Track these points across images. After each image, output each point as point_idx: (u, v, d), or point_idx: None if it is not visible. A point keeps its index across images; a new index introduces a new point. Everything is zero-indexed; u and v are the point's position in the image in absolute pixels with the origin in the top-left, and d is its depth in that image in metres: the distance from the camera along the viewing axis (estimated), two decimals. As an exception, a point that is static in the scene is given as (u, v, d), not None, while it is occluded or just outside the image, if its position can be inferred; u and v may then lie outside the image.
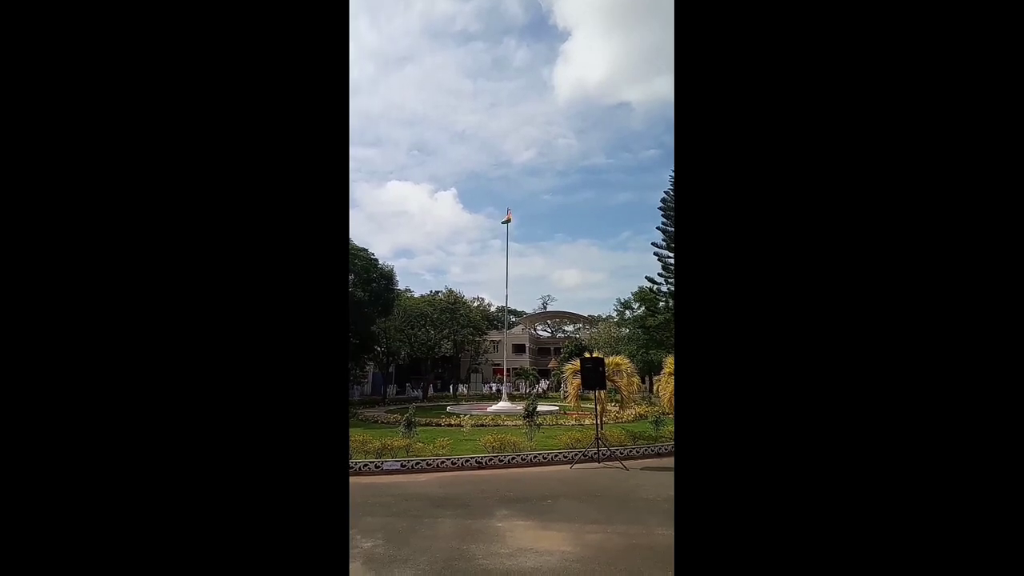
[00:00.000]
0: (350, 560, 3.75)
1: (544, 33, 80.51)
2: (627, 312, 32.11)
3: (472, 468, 7.71)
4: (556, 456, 8.21)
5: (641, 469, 7.61)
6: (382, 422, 14.10)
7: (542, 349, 42.03)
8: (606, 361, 9.83)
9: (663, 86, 72.33)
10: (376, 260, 23.56)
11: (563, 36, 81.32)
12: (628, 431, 10.10)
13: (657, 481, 6.84)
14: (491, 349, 34.98)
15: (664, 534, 4.37)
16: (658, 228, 23.86)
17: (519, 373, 32.89)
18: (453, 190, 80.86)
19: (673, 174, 23.88)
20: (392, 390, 29.87)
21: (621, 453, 8.32)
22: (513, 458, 8.02)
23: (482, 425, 12.79)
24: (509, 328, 30.94)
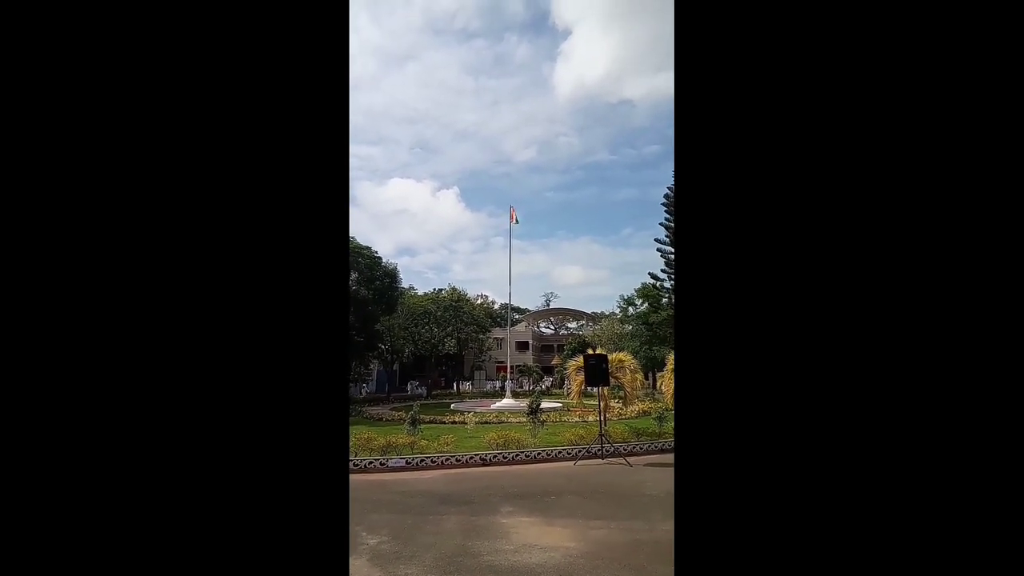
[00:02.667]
0: (356, 556, 3.79)
1: (545, 29, 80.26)
2: (630, 309, 32.07)
3: (476, 465, 7.74)
4: (560, 453, 8.24)
5: (645, 465, 7.63)
6: (387, 419, 14.16)
7: (545, 346, 42.00)
8: (609, 358, 9.85)
9: (665, 81, 71.96)
10: (380, 258, 23.58)
11: (564, 33, 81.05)
12: (632, 427, 10.13)
13: (661, 477, 6.85)
14: (494, 346, 34.99)
15: (668, 530, 4.38)
16: (661, 224, 23.57)
17: (522, 370, 32.91)
18: (455, 188, 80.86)
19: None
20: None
21: (625, 449, 8.34)
22: (517, 455, 8.05)
23: (486, 422, 12.80)
24: (512, 325, 30.95)
